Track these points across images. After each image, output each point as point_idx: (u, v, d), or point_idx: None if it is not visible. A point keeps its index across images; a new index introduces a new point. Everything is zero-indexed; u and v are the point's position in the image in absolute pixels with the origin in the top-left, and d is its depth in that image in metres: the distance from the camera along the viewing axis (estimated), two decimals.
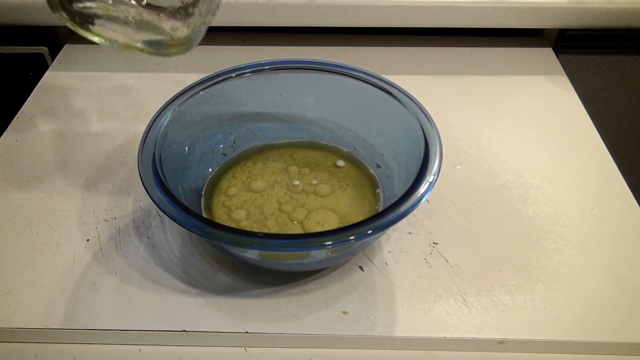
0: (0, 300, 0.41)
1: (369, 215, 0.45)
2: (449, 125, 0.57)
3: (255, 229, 0.44)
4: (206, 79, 0.48)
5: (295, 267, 0.42)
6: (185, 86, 0.47)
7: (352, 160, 0.50)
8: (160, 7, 0.41)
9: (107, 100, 0.61)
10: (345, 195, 0.46)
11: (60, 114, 0.59)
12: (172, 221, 0.37)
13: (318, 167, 0.49)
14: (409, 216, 0.37)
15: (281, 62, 0.49)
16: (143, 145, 0.41)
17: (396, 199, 0.37)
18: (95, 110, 0.60)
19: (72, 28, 0.42)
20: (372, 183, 0.48)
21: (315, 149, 0.51)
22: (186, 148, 0.46)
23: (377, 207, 0.46)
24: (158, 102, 0.46)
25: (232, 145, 0.50)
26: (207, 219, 0.38)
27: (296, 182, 0.47)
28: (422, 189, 0.38)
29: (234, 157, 0.50)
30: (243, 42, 0.71)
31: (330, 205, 0.46)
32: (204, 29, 0.41)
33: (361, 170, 0.49)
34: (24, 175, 0.52)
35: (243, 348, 0.40)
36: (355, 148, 0.50)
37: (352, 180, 0.48)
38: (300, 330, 0.39)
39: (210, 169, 0.49)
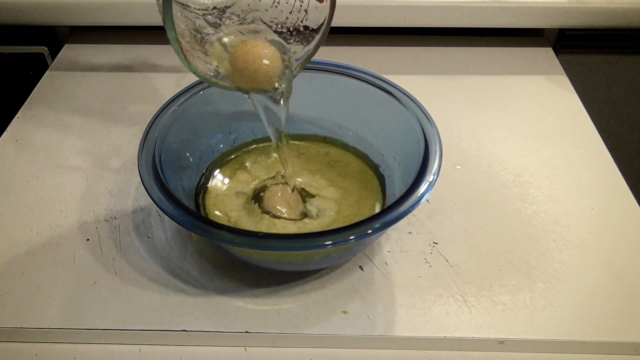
0: (0, 300, 0.41)
1: (370, 208, 0.45)
2: (449, 125, 0.57)
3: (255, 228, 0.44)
4: None
5: (295, 266, 0.42)
6: (185, 86, 0.47)
7: (353, 158, 0.50)
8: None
9: (107, 100, 0.61)
10: (345, 187, 0.47)
11: (60, 113, 0.59)
12: (172, 221, 0.37)
13: (318, 163, 0.49)
14: (409, 216, 0.37)
15: None
16: (143, 145, 0.41)
17: (396, 199, 0.37)
18: (95, 110, 0.60)
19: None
20: (374, 179, 0.48)
21: (315, 146, 0.51)
22: (186, 148, 0.46)
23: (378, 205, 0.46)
24: (158, 102, 0.46)
25: (232, 145, 0.50)
26: (207, 219, 0.38)
27: (298, 179, 0.48)
28: (422, 188, 0.38)
29: (234, 154, 0.50)
30: None
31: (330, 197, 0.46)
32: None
33: (363, 166, 0.49)
34: (24, 175, 0.52)
35: (243, 348, 0.40)
36: (355, 147, 0.50)
37: (353, 176, 0.48)
38: (300, 330, 0.39)
39: (212, 169, 0.48)
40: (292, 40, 0.42)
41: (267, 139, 0.51)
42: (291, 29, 0.42)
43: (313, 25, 0.42)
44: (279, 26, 0.42)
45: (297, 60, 0.43)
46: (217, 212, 0.45)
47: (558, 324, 0.40)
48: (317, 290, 0.42)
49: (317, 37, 0.42)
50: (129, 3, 0.64)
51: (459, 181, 0.51)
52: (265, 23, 0.42)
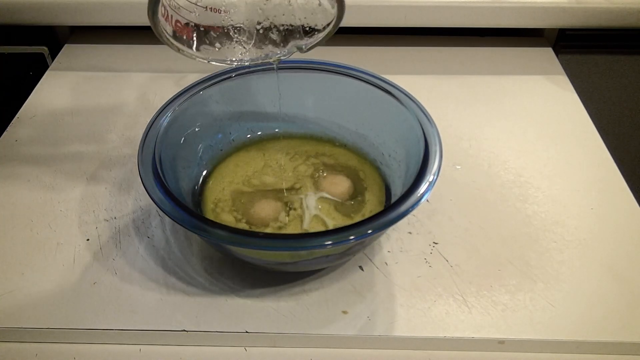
0: (0, 300, 0.41)
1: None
2: (449, 125, 0.57)
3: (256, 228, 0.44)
4: (206, 79, 0.48)
5: (295, 266, 0.42)
6: (185, 86, 0.47)
7: (353, 157, 0.50)
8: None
9: (107, 100, 0.61)
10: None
11: (60, 113, 0.59)
12: (172, 221, 0.37)
13: (318, 162, 0.49)
14: (409, 216, 0.37)
15: (281, 62, 0.49)
16: (143, 145, 0.41)
17: (396, 198, 0.37)
18: (95, 110, 0.60)
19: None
20: (375, 179, 0.48)
21: (315, 146, 0.51)
22: (186, 148, 0.46)
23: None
24: (158, 102, 0.46)
25: (231, 146, 0.50)
26: (207, 219, 0.38)
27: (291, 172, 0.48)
28: (422, 188, 0.38)
29: (233, 154, 0.50)
30: None
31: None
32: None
33: (363, 166, 0.49)
34: (24, 175, 0.52)
35: (243, 348, 0.40)
36: (355, 147, 0.50)
37: (353, 175, 0.48)
38: (300, 330, 0.39)
39: (210, 169, 0.48)
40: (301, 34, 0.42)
41: (267, 139, 0.51)
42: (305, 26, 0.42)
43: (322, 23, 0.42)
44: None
45: (307, 39, 0.42)
46: (217, 212, 0.45)
47: (558, 324, 0.40)
48: (317, 290, 0.42)
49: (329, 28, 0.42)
50: (129, 3, 0.64)
51: (459, 181, 0.51)
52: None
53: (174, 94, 0.46)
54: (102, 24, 0.68)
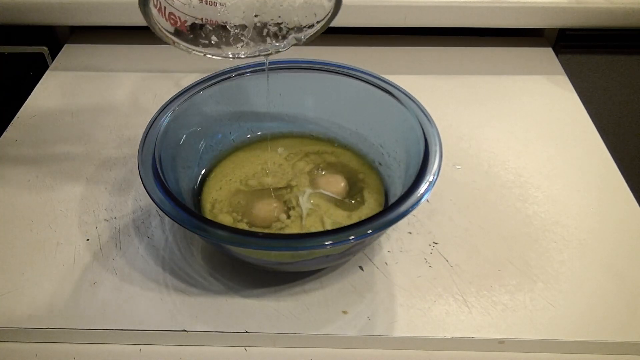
0: (0, 300, 0.41)
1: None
2: (449, 125, 0.57)
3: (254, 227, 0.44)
4: (206, 79, 0.48)
5: (295, 266, 0.42)
6: (185, 86, 0.47)
7: (353, 157, 0.50)
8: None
9: (107, 100, 0.61)
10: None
11: (60, 114, 0.59)
12: (172, 221, 0.37)
13: (318, 162, 0.49)
14: (409, 216, 0.37)
15: (281, 62, 0.49)
16: (143, 145, 0.41)
17: (396, 198, 0.37)
18: (95, 110, 0.60)
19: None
20: (375, 179, 0.48)
21: (315, 145, 0.51)
22: (186, 148, 0.46)
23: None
24: (158, 102, 0.46)
25: (232, 145, 0.50)
26: (207, 219, 0.38)
27: (291, 173, 0.48)
28: (422, 188, 0.38)
29: (233, 154, 0.50)
30: None
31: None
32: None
33: (363, 166, 0.49)
34: (24, 175, 0.52)
35: (243, 348, 0.40)
36: (355, 147, 0.50)
37: (353, 175, 0.48)
38: (300, 330, 0.39)
39: (210, 169, 0.48)
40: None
41: (267, 139, 0.51)
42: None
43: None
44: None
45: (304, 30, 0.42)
46: (214, 213, 0.45)
47: (558, 324, 0.40)
48: (317, 290, 0.42)
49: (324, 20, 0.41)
50: (129, 3, 0.64)
51: (459, 181, 0.51)
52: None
53: (174, 94, 0.46)
54: (102, 24, 0.68)
